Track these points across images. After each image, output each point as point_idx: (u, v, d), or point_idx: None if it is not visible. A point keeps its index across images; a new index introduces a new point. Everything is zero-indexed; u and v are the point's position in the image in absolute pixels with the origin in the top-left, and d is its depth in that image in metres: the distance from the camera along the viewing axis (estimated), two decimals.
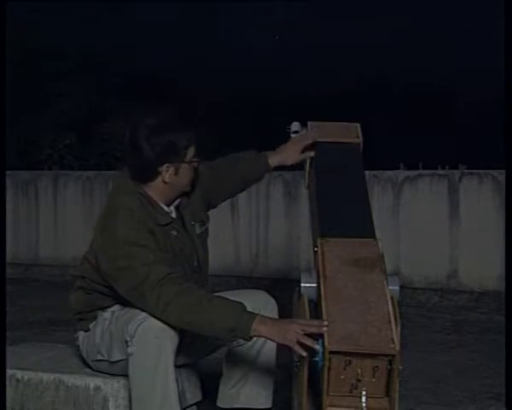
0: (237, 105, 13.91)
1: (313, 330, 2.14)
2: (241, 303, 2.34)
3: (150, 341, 2.37)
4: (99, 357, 2.63)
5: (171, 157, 2.50)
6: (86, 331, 2.69)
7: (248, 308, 2.36)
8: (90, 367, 2.70)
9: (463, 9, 17.59)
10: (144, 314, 2.40)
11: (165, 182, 2.52)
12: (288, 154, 2.84)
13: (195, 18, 19.13)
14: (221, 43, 17.88)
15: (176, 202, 2.64)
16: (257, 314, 2.30)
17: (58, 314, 5.32)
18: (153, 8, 18.14)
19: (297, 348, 2.17)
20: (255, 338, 2.42)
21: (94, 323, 2.66)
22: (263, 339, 2.53)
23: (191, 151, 2.55)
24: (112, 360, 2.56)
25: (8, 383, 2.70)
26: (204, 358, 2.82)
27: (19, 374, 2.73)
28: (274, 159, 2.86)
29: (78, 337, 2.75)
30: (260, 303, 2.62)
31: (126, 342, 2.43)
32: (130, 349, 2.41)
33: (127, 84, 12.73)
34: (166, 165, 2.50)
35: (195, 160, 2.57)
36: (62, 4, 15.78)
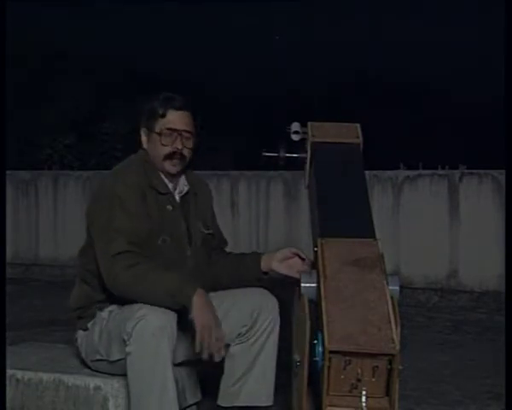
0: (237, 105, 13.92)
1: (212, 348, 2.35)
2: (185, 276, 2.48)
3: (147, 339, 2.37)
4: (98, 357, 2.63)
5: (145, 122, 2.69)
6: (85, 331, 2.69)
7: (248, 308, 2.45)
8: (89, 368, 2.70)
9: (464, 8, 17.57)
10: (142, 312, 2.40)
11: (143, 147, 2.71)
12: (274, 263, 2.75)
13: (195, 18, 19.13)
14: (221, 43, 17.87)
15: (179, 189, 2.72)
16: (198, 287, 2.40)
17: (58, 314, 5.32)
18: (153, 8, 18.13)
19: (198, 341, 2.34)
20: (257, 336, 2.55)
21: (92, 322, 2.66)
22: (265, 336, 2.61)
23: (163, 123, 2.63)
24: (111, 359, 2.56)
25: (8, 383, 2.70)
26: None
27: (19, 374, 2.73)
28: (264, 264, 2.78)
29: (77, 339, 2.75)
30: (261, 302, 2.63)
31: (124, 341, 2.43)
32: (128, 348, 2.41)
33: (127, 84, 12.72)
34: (142, 129, 2.70)
35: (163, 132, 2.63)
36: (62, 4, 15.77)
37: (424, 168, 6.57)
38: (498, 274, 5.86)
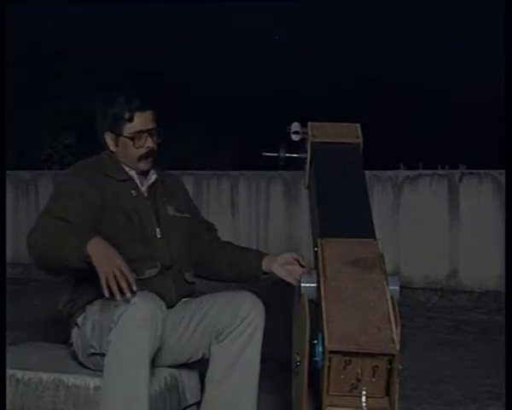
0: (237, 106, 13.92)
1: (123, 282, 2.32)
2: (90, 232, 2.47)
3: (131, 329, 2.36)
4: (91, 351, 2.62)
5: (109, 127, 2.71)
6: (77, 328, 2.68)
7: (228, 309, 2.53)
8: (88, 367, 2.70)
9: (464, 9, 17.59)
10: (132, 301, 2.38)
11: (110, 150, 2.74)
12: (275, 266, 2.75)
13: (196, 18, 19.13)
14: (221, 44, 17.88)
15: (150, 179, 2.78)
16: (95, 235, 2.41)
17: (58, 314, 5.31)
18: (153, 8, 18.14)
19: (103, 283, 2.32)
20: (235, 336, 2.58)
21: (83, 316, 2.65)
22: (245, 338, 2.59)
23: (132, 127, 2.67)
24: (104, 352, 2.52)
25: (8, 383, 2.70)
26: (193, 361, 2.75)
27: (19, 374, 2.73)
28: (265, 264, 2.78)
29: (71, 340, 2.74)
30: (248, 306, 2.61)
31: (111, 329, 2.42)
32: (110, 335, 2.41)
33: (127, 84, 12.72)
34: (106, 133, 2.72)
35: (134, 136, 2.67)
36: (62, 4, 15.78)
37: (424, 168, 6.57)
38: (498, 274, 5.86)
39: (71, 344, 2.76)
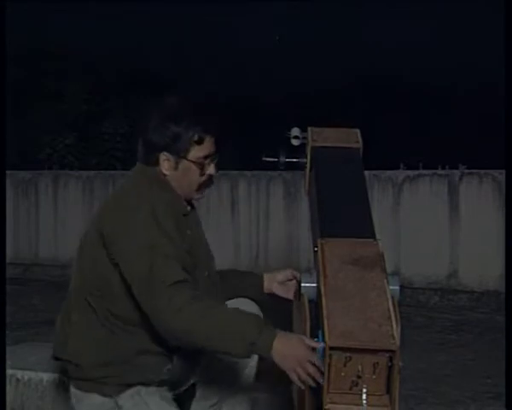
0: (236, 105, 13.92)
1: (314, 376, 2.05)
2: (258, 316, 2.17)
3: None
4: None
5: (171, 147, 2.29)
6: (107, 397, 2.23)
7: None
8: None
9: (464, 10, 17.60)
10: None
11: (163, 173, 2.31)
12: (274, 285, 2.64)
13: (196, 18, 19.14)
14: (221, 44, 17.88)
15: (187, 208, 2.42)
16: (276, 330, 2.08)
17: (58, 314, 5.31)
18: (153, 8, 18.14)
19: (294, 379, 2.07)
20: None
21: (129, 396, 2.22)
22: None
23: (198, 150, 2.30)
24: None
25: (8, 383, 2.70)
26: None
27: (19, 374, 2.73)
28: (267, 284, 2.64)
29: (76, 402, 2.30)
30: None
31: None
32: None
33: (127, 83, 12.73)
34: (164, 154, 2.29)
35: (201, 161, 2.32)
36: (62, 4, 15.78)
37: (424, 168, 6.57)
38: (498, 274, 5.87)
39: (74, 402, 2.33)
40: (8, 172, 7.41)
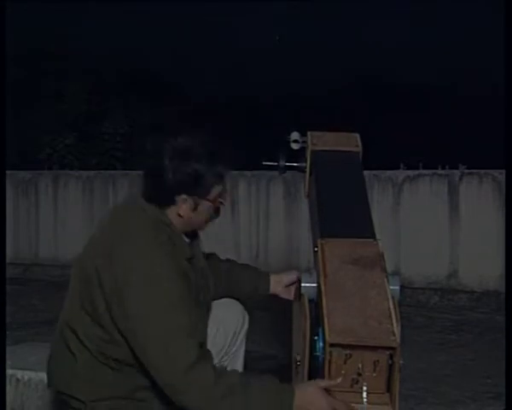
0: (236, 105, 13.92)
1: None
2: (274, 381, 2.10)
3: None
4: None
5: (192, 189, 2.15)
6: None
7: (221, 325, 2.36)
8: None
9: (463, 10, 17.60)
10: None
11: (179, 215, 2.17)
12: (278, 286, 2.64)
13: (196, 18, 19.14)
14: (221, 44, 17.89)
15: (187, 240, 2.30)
16: (293, 389, 2.05)
17: (58, 314, 5.31)
18: (153, 8, 18.14)
19: None
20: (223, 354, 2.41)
21: None
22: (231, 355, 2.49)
23: (217, 189, 2.19)
24: None
25: (8, 383, 2.70)
26: None
27: (19, 374, 2.73)
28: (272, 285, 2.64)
29: None
30: (235, 317, 2.56)
31: None
32: None
33: (127, 83, 12.73)
34: (184, 196, 2.15)
35: (220, 200, 2.23)
36: (62, 4, 15.78)
37: (424, 168, 6.57)
38: (498, 274, 5.87)
39: None
40: (8, 172, 7.42)
